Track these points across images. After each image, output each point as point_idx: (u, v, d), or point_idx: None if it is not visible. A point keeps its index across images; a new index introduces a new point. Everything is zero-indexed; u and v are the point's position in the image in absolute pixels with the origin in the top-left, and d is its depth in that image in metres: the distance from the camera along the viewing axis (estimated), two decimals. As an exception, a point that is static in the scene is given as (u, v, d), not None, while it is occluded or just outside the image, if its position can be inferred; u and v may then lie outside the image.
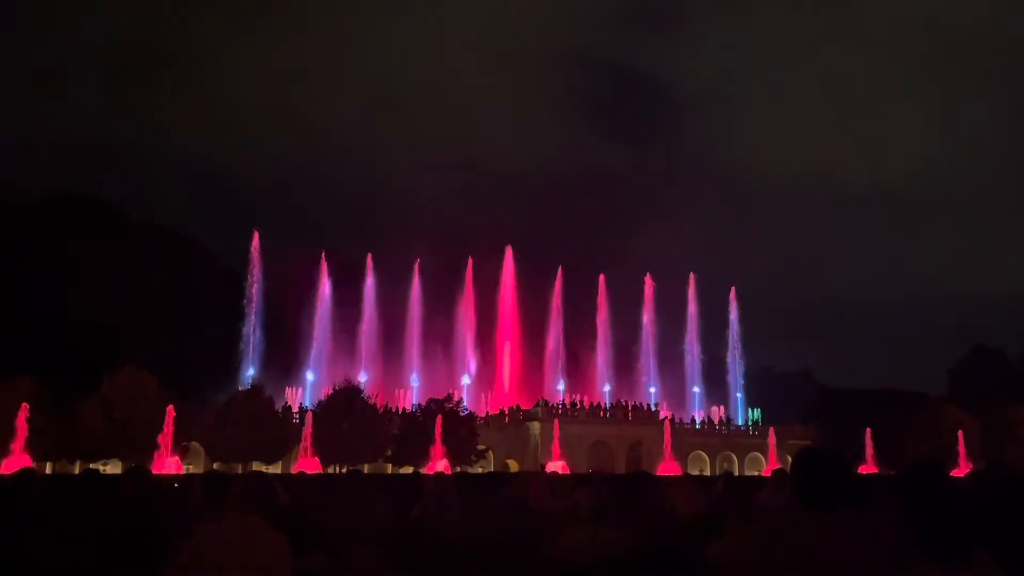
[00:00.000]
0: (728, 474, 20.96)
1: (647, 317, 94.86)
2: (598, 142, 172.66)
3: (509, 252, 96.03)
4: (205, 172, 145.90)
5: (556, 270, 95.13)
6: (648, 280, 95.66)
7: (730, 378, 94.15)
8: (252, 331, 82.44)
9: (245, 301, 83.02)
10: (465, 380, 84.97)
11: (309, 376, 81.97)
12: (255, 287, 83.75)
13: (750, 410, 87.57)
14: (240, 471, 45.80)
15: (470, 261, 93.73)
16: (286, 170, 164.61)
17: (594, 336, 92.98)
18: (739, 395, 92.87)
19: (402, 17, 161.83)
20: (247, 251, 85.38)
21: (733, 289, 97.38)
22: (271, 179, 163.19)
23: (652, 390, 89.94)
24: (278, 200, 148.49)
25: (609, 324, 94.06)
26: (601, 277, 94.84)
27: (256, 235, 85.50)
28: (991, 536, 4.99)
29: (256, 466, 53.85)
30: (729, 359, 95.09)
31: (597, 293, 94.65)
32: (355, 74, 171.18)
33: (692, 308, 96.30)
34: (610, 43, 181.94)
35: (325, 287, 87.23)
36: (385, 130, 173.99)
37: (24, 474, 9.61)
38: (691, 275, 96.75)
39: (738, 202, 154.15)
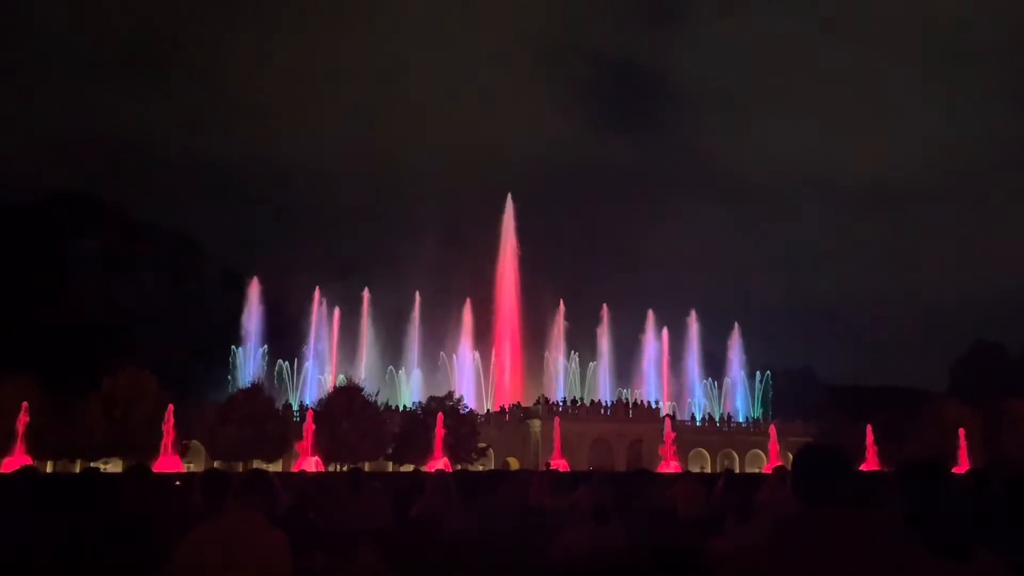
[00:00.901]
0: (729, 472, 20.93)
1: (648, 312, 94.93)
2: (597, 137, 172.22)
3: (510, 220, 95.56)
4: (205, 172, 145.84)
5: (558, 261, 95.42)
6: (649, 275, 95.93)
7: (731, 375, 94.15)
8: (253, 332, 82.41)
9: (245, 308, 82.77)
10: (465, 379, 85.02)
11: (309, 373, 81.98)
12: (254, 317, 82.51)
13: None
14: (241, 470, 45.82)
15: (470, 257, 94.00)
16: (287, 168, 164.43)
17: (595, 330, 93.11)
18: (740, 393, 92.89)
19: (401, 17, 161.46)
20: (247, 250, 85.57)
21: (734, 285, 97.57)
22: (272, 177, 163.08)
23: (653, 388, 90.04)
24: (279, 198, 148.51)
25: (610, 316, 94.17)
26: (602, 273, 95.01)
27: (255, 281, 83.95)
28: (994, 532, 4.98)
29: (257, 464, 53.85)
30: (730, 356, 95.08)
31: (598, 287, 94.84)
32: (356, 72, 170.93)
33: (693, 304, 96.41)
34: (610, 38, 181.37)
35: (325, 284, 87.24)
36: (385, 125, 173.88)
37: (24, 472, 9.60)
38: (692, 271, 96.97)
39: (738, 199, 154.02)
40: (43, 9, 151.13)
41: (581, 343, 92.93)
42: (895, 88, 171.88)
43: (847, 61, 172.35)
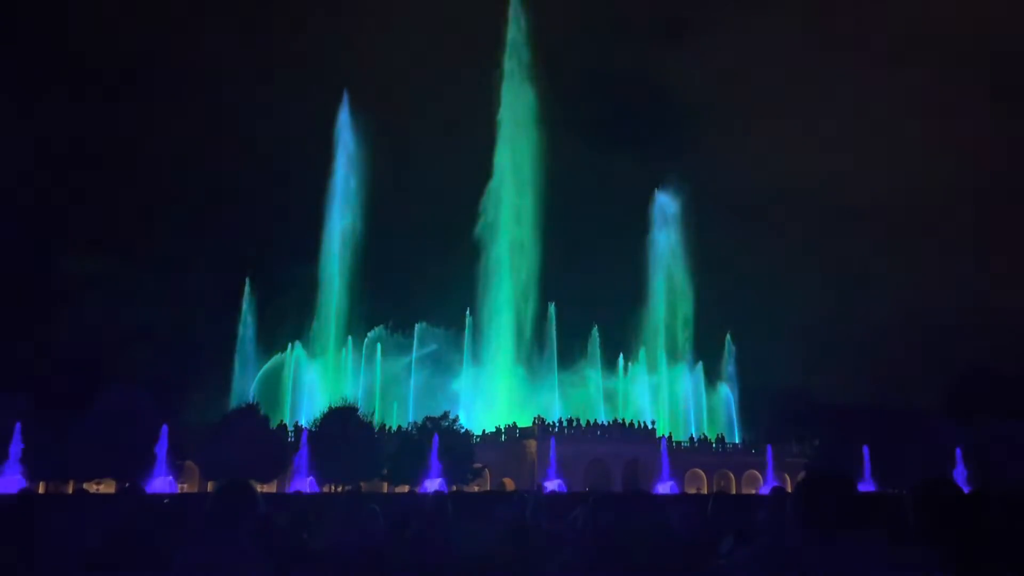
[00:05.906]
0: (719, 493, 20.79)
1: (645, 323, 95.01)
2: (596, 148, 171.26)
3: None
4: (203, 184, 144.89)
5: (555, 274, 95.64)
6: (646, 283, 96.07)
7: (726, 395, 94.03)
8: (247, 351, 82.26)
9: (239, 316, 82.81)
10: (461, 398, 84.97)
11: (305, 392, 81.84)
12: (248, 330, 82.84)
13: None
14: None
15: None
16: (284, 179, 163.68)
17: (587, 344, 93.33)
18: (735, 413, 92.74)
19: (402, 16, 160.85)
20: (242, 266, 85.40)
21: (729, 302, 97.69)
22: (269, 188, 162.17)
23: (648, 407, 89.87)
24: (277, 209, 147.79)
25: (607, 330, 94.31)
26: (599, 276, 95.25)
27: (247, 282, 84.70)
28: (993, 552, 4.96)
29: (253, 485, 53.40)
30: (726, 376, 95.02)
31: (596, 292, 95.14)
32: (355, 77, 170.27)
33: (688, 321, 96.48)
34: (611, 51, 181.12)
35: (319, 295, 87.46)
36: (385, 134, 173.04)
37: (22, 494, 9.55)
38: (688, 286, 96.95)
39: (737, 213, 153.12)
40: (42, 9, 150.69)
41: (575, 357, 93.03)
42: (896, 103, 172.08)
43: (847, 75, 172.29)
